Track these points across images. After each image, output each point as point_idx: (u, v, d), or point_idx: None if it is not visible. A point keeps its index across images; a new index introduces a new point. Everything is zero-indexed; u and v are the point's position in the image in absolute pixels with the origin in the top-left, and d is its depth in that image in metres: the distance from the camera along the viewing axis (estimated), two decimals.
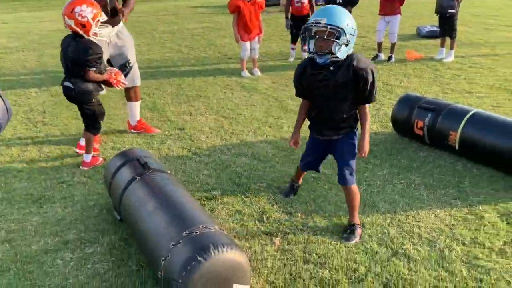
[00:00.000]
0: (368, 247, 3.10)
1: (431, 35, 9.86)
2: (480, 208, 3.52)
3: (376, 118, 5.44)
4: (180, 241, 2.44)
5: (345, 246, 3.11)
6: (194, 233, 2.47)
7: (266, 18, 12.94)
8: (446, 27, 7.86)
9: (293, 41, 8.51)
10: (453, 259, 2.96)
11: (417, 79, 6.95)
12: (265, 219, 3.49)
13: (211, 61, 8.74)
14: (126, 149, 4.26)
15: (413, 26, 10.92)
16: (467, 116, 4.16)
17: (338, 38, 2.85)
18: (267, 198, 3.78)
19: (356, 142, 3.22)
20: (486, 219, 3.38)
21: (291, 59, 8.57)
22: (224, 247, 2.37)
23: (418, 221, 3.39)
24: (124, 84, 4.49)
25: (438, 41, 8.38)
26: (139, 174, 3.22)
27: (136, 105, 5.17)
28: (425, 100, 4.63)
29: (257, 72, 7.63)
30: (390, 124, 5.13)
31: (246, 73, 7.56)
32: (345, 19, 2.88)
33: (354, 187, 3.24)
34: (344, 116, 3.11)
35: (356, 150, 3.21)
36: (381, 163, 4.34)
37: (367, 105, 3.11)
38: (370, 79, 2.96)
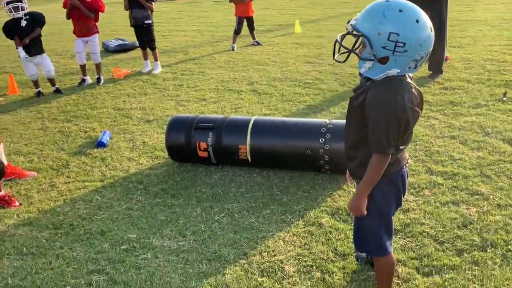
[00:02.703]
0: None
1: (121, 49, 9.45)
2: (311, 215, 3.42)
3: (139, 152, 4.70)
4: None
5: None
6: None
7: None
8: (145, 39, 7.60)
9: None
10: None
11: (145, 97, 6.43)
12: None
13: None
14: None
15: None
16: (250, 126, 4.00)
17: (365, 47, 2.00)
18: None
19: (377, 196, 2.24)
20: (326, 223, 3.29)
21: None
22: None
23: (275, 255, 3.02)
24: None
25: (132, 53, 8.05)
26: None
27: None
28: (197, 119, 4.22)
29: None
30: (160, 153, 4.53)
31: None
32: (380, 22, 1.90)
33: (379, 260, 2.43)
34: (351, 153, 2.29)
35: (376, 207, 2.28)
36: (185, 202, 3.71)
37: (375, 153, 2.10)
38: (372, 118, 2.06)
